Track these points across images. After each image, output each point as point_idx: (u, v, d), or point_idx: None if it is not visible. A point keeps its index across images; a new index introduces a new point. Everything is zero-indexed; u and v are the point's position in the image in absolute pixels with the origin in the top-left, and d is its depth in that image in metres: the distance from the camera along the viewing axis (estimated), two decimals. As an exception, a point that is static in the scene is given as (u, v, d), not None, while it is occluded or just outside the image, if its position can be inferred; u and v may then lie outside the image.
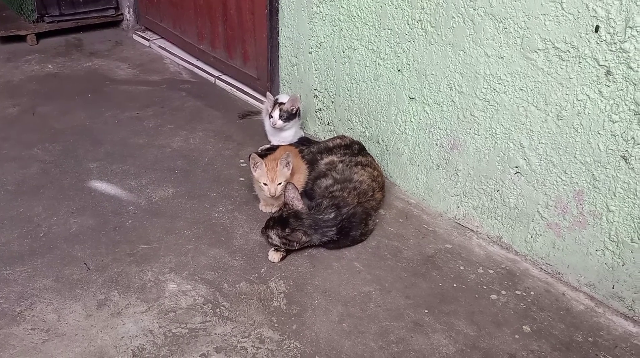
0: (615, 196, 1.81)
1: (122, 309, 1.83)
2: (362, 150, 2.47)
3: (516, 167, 2.04)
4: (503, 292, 1.99)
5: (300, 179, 2.34)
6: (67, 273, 1.96)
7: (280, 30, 2.87)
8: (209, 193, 2.44)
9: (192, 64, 3.63)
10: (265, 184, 2.19)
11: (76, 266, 1.99)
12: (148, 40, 3.97)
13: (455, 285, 2.01)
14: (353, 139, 2.53)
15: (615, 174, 1.79)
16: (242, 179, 2.54)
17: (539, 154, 1.96)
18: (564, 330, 1.84)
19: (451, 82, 2.13)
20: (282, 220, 2.07)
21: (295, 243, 2.06)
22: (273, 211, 2.25)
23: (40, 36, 3.92)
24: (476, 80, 2.05)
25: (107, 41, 4.01)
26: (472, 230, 2.27)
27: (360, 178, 2.26)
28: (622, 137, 1.74)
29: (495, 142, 2.07)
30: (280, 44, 2.90)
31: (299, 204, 2.10)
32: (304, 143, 2.75)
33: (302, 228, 2.04)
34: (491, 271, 2.08)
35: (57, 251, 2.05)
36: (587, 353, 1.76)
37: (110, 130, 2.90)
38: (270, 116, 2.62)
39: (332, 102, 2.71)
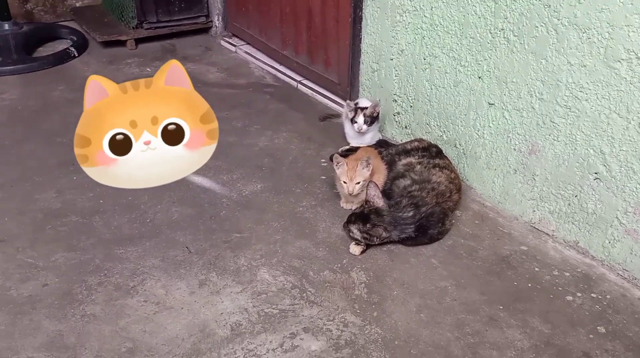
0: (698, 204, 1.83)
1: (220, 289, 2.04)
2: (439, 153, 2.57)
3: (596, 173, 2.08)
4: (578, 294, 2.04)
5: (380, 179, 2.47)
6: (172, 254, 2.20)
7: (362, 38, 3.02)
8: (294, 189, 2.62)
9: (276, 69, 3.84)
10: (344, 182, 2.35)
11: (179, 249, 2.22)
12: (234, 46, 4.23)
13: (529, 285, 2.08)
14: (430, 143, 2.63)
15: (698, 183, 1.81)
16: (323, 177, 2.71)
17: (619, 161, 2.00)
18: (638, 332, 1.88)
19: (532, 90, 2.20)
20: (363, 216, 2.21)
21: (375, 238, 2.19)
22: (353, 208, 2.40)
23: (138, 41, 4.26)
24: (557, 88, 2.11)
25: (197, 47, 4.30)
26: (547, 234, 2.33)
27: (438, 180, 2.37)
28: None
29: (575, 148, 2.12)
30: (362, 50, 3.05)
31: (379, 201, 2.24)
32: (382, 145, 2.88)
33: (382, 224, 2.18)
34: (567, 274, 2.13)
35: (162, 235, 2.30)
36: (663, 357, 1.79)
37: (203, 129, 3.15)
38: (355, 122, 2.76)
39: (411, 106, 2.83)
